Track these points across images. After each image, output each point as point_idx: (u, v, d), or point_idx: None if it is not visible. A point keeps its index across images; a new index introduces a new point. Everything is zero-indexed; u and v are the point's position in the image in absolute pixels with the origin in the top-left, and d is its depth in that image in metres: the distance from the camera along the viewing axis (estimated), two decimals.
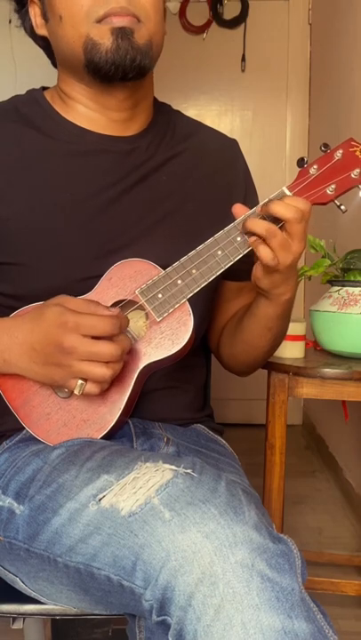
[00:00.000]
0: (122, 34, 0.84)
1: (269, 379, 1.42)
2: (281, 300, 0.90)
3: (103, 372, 0.78)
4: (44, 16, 0.91)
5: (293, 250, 0.82)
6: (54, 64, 0.99)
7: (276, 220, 0.81)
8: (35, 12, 0.93)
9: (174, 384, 0.98)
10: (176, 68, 2.87)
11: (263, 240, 0.81)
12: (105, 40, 0.84)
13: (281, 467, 1.45)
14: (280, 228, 0.81)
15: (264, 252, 0.81)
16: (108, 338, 0.78)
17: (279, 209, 0.80)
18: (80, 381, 0.79)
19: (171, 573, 0.63)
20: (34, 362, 0.82)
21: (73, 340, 0.77)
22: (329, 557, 1.78)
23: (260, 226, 0.80)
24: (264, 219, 0.81)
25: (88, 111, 0.94)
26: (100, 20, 0.84)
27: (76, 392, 0.79)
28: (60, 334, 0.77)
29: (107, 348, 0.77)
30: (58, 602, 0.84)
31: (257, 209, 0.83)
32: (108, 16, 0.84)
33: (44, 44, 0.95)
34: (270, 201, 0.82)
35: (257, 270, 0.86)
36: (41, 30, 0.93)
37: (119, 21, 0.84)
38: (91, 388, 0.80)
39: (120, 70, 0.85)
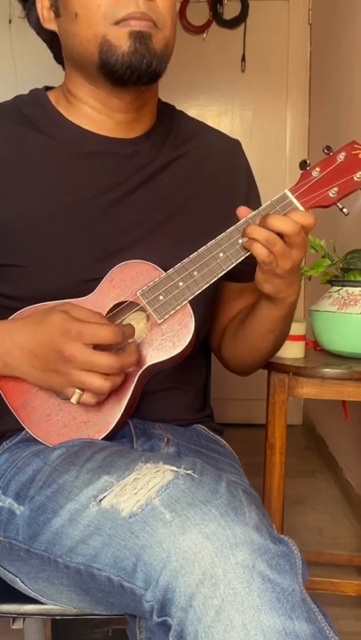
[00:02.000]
0: (140, 38, 0.83)
1: (269, 379, 1.42)
2: (285, 303, 0.90)
3: (101, 383, 0.78)
4: (56, 11, 0.90)
5: (294, 257, 0.82)
6: (57, 59, 0.98)
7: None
8: (42, 5, 0.91)
9: (175, 385, 0.98)
10: (176, 68, 2.85)
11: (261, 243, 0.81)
12: (122, 43, 0.83)
13: (281, 467, 1.45)
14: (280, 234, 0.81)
15: (258, 250, 0.81)
16: (112, 348, 0.78)
17: (278, 224, 0.80)
18: (78, 391, 0.79)
19: (171, 574, 0.63)
20: (33, 367, 0.82)
21: (73, 349, 0.77)
22: (329, 557, 1.78)
23: (260, 234, 0.80)
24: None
25: (93, 112, 0.93)
26: (118, 22, 0.83)
27: (72, 401, 0.79)
28: (61, 342, 0.77)
29: (106, 360, 0.77)
30: (58, 602, 0.84)
31: (260, 212, 0.83)
32: (127, 19, 0.83)
33: (50, 38, 0.94)
34: (269, 215, 0.81)
35: (258, 274, 0.86)
36: (49, 24, 0.91)
37: (138, 25, 0.83)
38: (87, 398, 0.80)
39: (135, 74, 0.85)
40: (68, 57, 0.93)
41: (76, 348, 0.77)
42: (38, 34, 0.96)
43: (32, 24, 0.95)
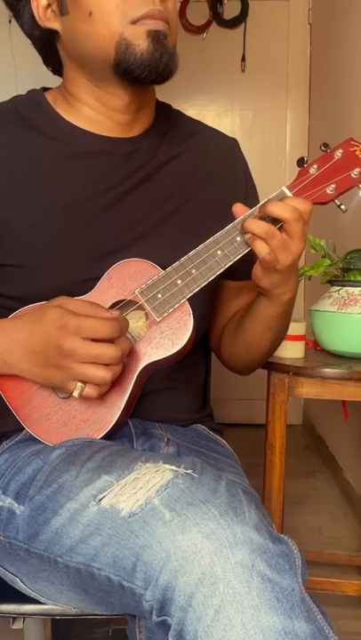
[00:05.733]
0: (157, 37, 0.83)
1: (269, 379, 1.42)
2: (282, 300, 0.90)
3: (103, 374, 0.78)
4: (61, 9, 0.88)
5: (293, 250, 0.82)
6: (46, 62, 0.97)
7: (275, 221, 0.81)
8: (38, 4, 0.89)
9: (174, 384, 0.98)
10: None
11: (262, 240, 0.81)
12: (140, 41, 0.83)
13: (281, 467, 1.45)
14: (279, 228, 0.81)
15: (260, 247, 0.81)
16: (109, 340, 0.78)
17: (276, 209, 0.80)
18: (79, 384, 0.79)
19: (171, 574, 0.63)
20: (34, 364, 0.82)
21: (73, 343, 0.77)
22: (329, 557, 1.78)
23: (259, 227, 0.80)
24: (264, 219, 0.81)
25: (92, 112, 0.93)
26: (135, 21, 0.83)
27: (75, 394, 0.79)
28: (60, 337, 0.77)
29: (107, 351, 0.77)
30: (58, 602, 0.84)
31: (257, 208, 0.83)
32: (144, 18, 0.83)
33: (44, 38, 0.92)
34: (268, 201, 0.82)
35: (257, 270, 0.86)
36: (48, 23, 0.90)
37: (155, 24, 0.84)
38: (90, 390, 0.79)
39: (153, 73, 0.85)
40: (72, 56, 0.91)
41: (76, 342, 0.77)
42: (31, 35, 0.93)
43: (25, 24, 0.93)
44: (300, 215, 0.80)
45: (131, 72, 0.85)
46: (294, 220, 0.80)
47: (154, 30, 0.84)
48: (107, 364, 0.78)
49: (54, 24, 0.90)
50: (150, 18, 0.83)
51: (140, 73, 0.85)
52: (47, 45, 0.94)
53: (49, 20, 0.90)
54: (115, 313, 0.80)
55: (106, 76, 0.88)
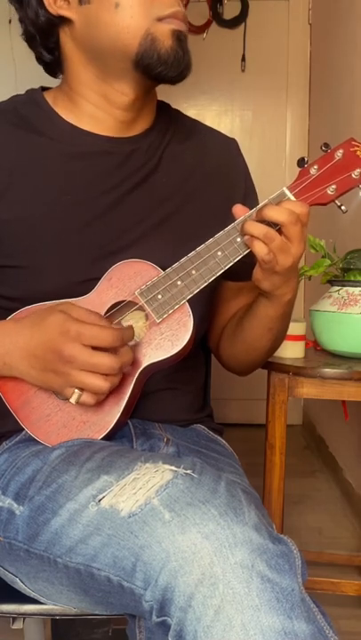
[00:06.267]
0: (180, 37, 0.85)
1: (269, 379, 1.43)
2: (282, 301, 0.90)
3: (100, 384, 0.78)
4: None
5: (293, 252, 0.82)
6: (42, 55, 0.94)
7: (275, 223, 0.81)
8: None
9: (174, 385, 0.98)
10: None
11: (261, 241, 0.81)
12: (165, 39, 0.85)
13: (281, 467, 1.45)
14: (279, 230, 0.81)
15: (259, 248, 0.81)
16: (110, 349, 0.78)
17: (273, 214, 0.80)
18: (77, 391, 0.79)
19: (171, 574, 0.63)
20: (33, 367, 0.82)
21: (73, 349, 0.77)
22: (329, 557, 1.78)
23: (259, 230, 0.80)
24: (263, 221, 0.81)
25: (94, 109, 0.93)
26: (161, 19, 0.84)
27: (72, 401, 0.79)
28: (61, 342, 0.77)
29: (106, 361, 0.77)
30: (58, 602, 0.84)
31: (257, 210, 0.83)
32: (171, 17, 0.85)
33: (48, 27, 0.90)
34: (266, 205, 0.82)
35: (257, 272, 0.86)
36: (62, 11, 0.88)
37: (179, 25, 0.86)
38: (86, 398, 0.79)
39: (174, 70, 0.86)
40: (86, 46, 0.89)
41: (76, 349, 0.77)
42: (34, 22, 0.90)
43: (30, 9, 0.89)
44: (298, 218, 0.80)
45: (153, 68, 0.86)
46: (291, 224, 0.80)
47: (178, 30, 0.85)
48: (105, 374, 0.78)
49: (67, 12, 0.88)
50: (176, 18, 0.85)
51: (162, 70, 0.86)
52: (49, 36, 0.91)
53: (61, 8, 0.88)
54: (117, 326, 0.80)
55: (120, 70, 0.88)
